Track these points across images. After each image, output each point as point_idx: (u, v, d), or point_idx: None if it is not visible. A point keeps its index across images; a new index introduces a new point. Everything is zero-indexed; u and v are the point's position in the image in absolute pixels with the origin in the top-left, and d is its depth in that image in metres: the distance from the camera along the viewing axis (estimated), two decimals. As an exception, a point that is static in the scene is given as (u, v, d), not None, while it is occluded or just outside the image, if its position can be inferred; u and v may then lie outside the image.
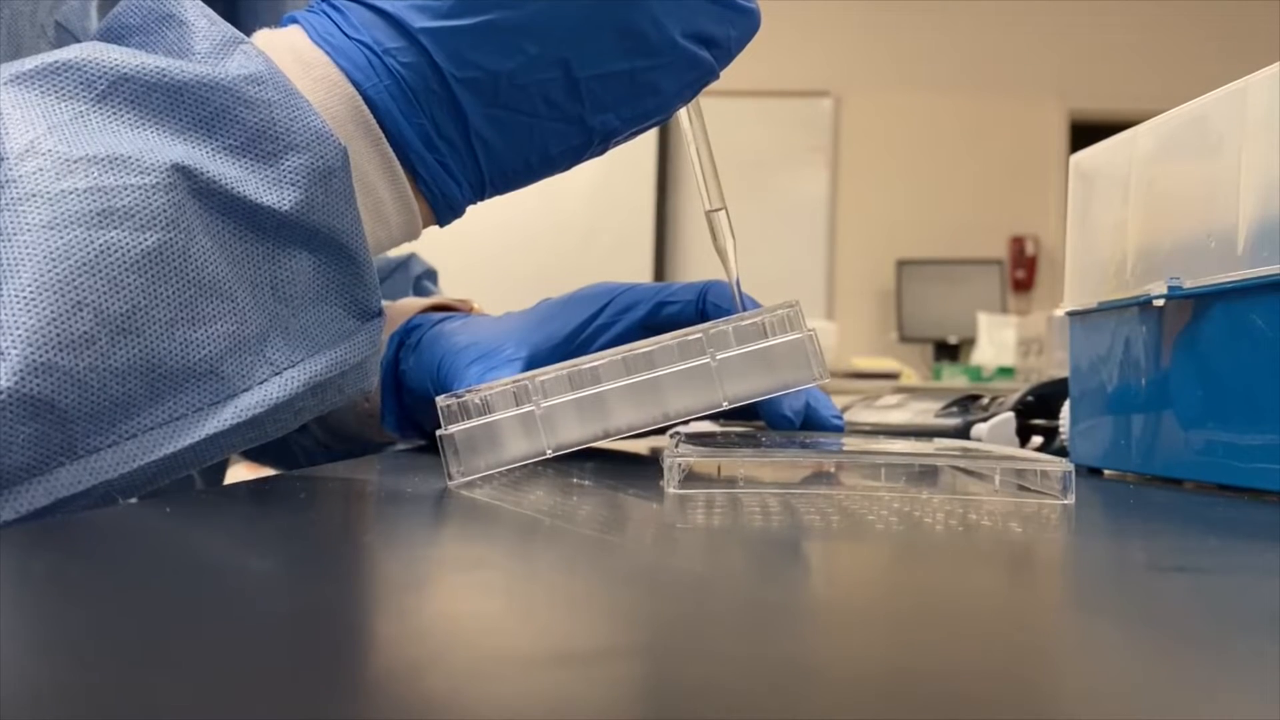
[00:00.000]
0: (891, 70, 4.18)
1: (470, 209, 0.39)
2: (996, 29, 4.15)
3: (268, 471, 0.66)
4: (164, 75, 0.31)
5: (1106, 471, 0.46)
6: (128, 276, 0.28)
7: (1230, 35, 3.86)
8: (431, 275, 0.69)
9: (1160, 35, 4.09)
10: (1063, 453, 0.51)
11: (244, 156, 0.31)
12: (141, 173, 0.29)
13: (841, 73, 4.19)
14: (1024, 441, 0.58)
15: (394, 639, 0.16)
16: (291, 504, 0.32)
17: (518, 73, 0.35)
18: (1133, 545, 0.29)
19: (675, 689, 0.13)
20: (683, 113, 0.41)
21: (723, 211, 0.44)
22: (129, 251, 0.28)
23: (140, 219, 0.29)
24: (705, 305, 0.47)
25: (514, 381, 0.35)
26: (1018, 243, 4.15)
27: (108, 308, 0.28)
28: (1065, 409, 0.52)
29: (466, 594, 0.20)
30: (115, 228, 0.28)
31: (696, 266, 4.01)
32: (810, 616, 0.19)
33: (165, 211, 0.29)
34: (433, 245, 0.68)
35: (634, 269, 3.93)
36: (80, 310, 0.27)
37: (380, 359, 0.36)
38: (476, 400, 0.35)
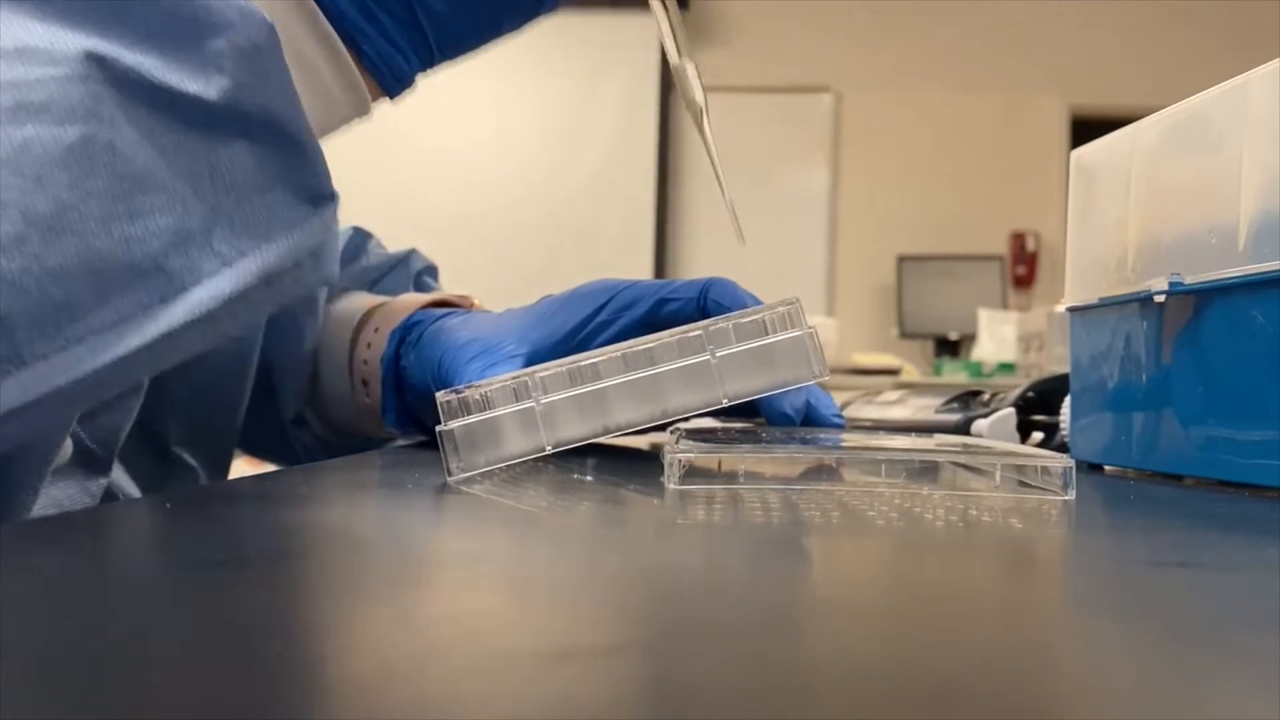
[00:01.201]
0: (892, 66, 4.17)
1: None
2: (997, 25, 4.14)
3: (269, 467, 0.66)
4: None
5: (1107, 467, 0.46)
6: (52, 173, 0.27)
7: (1231, 31, 3.86)
8: (432, 271, 0.69)
9: (1161, 31, 4.09)
10: (1063, 449, 0.51)
11: (161, 41, 0.29)
12: (53, 63, 0.28)
13: (842, 69, 4.18)
14: (1024, 437, 0.58)
15: (394, 634, 0.16)
16: (292, 499, 0.32)
17: None
18: (1133, 541, 0.29)
19: (675, 685, 0.13)
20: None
21: (692, 65, 0.42)
22: (50, 147, 0.27)
23: (58, 112, 0.27)
24: (706, 302, 0.47)
25: (514, 377, 0.35)
26: (1018, 238, 4.14)
27: (34, 206, 0.27)
28: (1066, 405, 0.52)
29: (466, 589, 0.20)
30: (32, 122, 0.27)
31: (697, 263, 4.01)
32: (810, 612, 0.19)
33: (84, 103, 0.28)
34: (433, 240, 0.68)
35: (634, 265, 3.93)
36: (4, 210, 0.26)
37: (338, 247, 0.35)
38: (477, 396, 0.35)
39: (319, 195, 0.33)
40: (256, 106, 0.31)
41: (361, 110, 0.36)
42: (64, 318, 0.27)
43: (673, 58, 0.42)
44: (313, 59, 0.34)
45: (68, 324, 0.28)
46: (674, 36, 0.42)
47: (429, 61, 0.36)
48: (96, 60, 0.28)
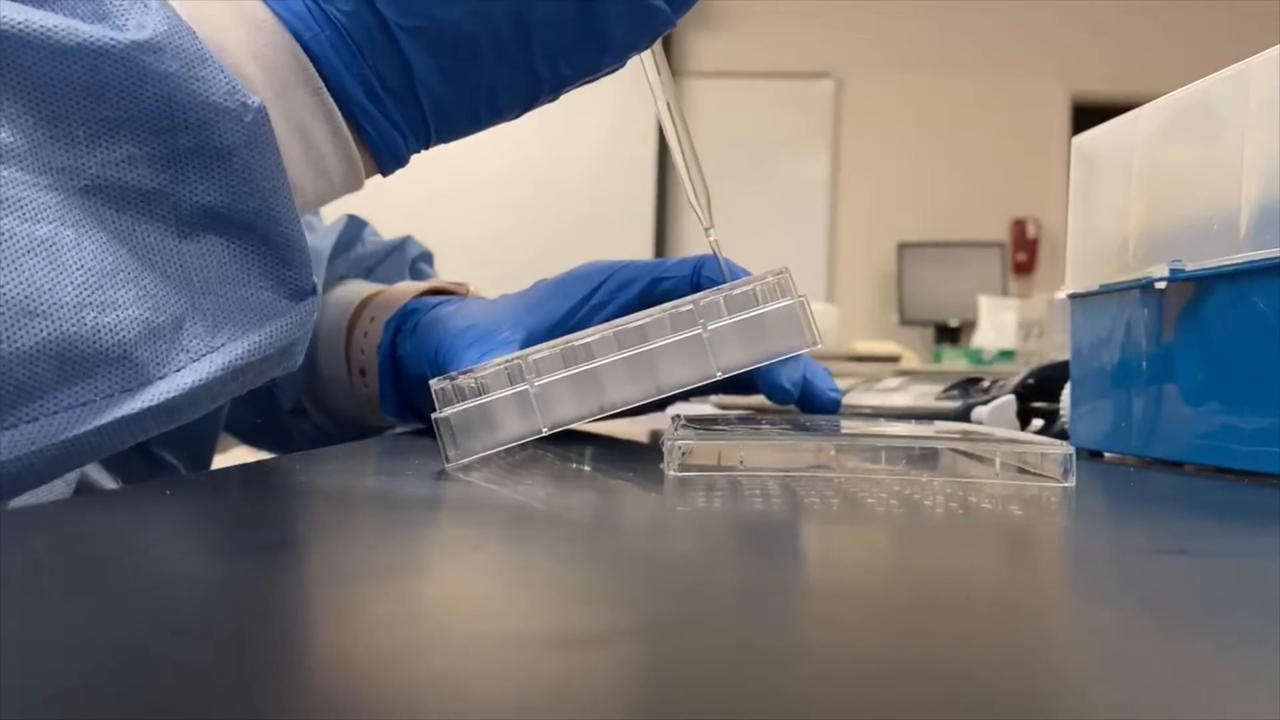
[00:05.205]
0: (893, 52, 4.16)
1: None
2: (998, 10, 4.13)
3: (267, 455, 0.66)
4: (51, 35, 0.28)
5: (1107, 454, 0.46)
6: (25, 260, 0.27)
7: (1233, 17, 3.85)
8: (427, 258, 0.69)
9: (1162, 17, 4.08)
10: (1063, 436, 0.51)
11: (136, 137, 0.29)
12: (23, 169, 0.28)
13: (842, 54, 4.17)
14: (1024, 424, 0.57)
15: (391, 622, 0.16)
16: (289, 487, 0.31)
17: (465, 20, 0.33)
18: (1133, 528, 0.29)
19: (674, 671, 0.13)
20: (650, 65, 0.40)
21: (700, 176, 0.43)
22: (21, 239, 0.27)
23: (28, 211, 0.27)
24: (700, 280, 0.47)
25: (507, 361, 0.35)
26: (1019, 225, 4.14)
27: (7, 290, 0.27)
28: (1066, 392, 0.52)
29: (464, 577, 0.20)
30: (4, 216, 0.27)
31: (697, 250, 3.99)
32: (810, 599, 0.18)
33: (52, 209, 0.28)
34: (432, 231, 0.67)
35: (634, 253, 3.92)
36: None
37: (307, 340, 0.34)
38: (470, 382, 0.35)
39: (299, 290, 0.33)
40: (228, 205, 0.31)
41: (355, 185, 0.36)
42: (22, 398, 0.27)
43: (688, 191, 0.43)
44: (314, 134, 0.33)
45: (24, 404, 0.27)
46: (687, 168, 0.43)
47: (426, 142, 0.36)
48: (67, 172, 0.28)
